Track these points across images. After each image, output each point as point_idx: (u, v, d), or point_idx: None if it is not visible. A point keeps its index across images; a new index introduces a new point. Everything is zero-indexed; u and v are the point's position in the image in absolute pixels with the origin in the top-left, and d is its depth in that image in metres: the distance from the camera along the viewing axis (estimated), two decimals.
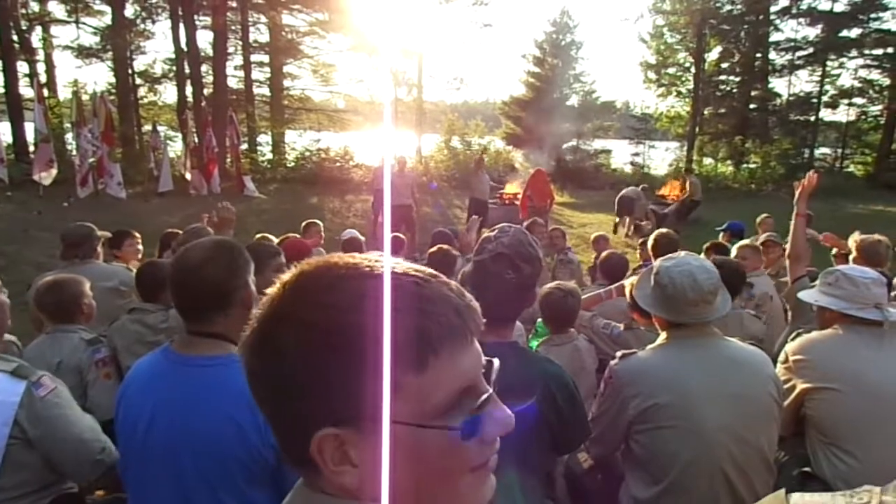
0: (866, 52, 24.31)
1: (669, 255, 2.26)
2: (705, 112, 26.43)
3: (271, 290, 0.64)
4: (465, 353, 0.62)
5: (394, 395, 0.56)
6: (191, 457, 1.47)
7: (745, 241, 4.97)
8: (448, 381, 0.60)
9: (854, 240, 4.05)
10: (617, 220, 13.27)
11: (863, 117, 25.35)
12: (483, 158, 13.99)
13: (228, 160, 17.15)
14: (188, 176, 15.01)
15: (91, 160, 12.57)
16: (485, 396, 0.62)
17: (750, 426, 1.99)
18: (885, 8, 23.40)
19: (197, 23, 19.18)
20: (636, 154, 26.40)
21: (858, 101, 25.16)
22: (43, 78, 18.28)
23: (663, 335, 2.19)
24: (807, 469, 2.29)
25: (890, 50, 23.60)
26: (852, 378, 2.20)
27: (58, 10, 20.09)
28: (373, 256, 0.64)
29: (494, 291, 1.71)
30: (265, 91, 23.37)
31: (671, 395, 2.00)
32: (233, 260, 1.60)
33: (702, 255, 3.24)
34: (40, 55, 18.97)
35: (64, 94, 19.28)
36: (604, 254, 4.67)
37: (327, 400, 0.58)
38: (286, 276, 0.64)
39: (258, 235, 6.30)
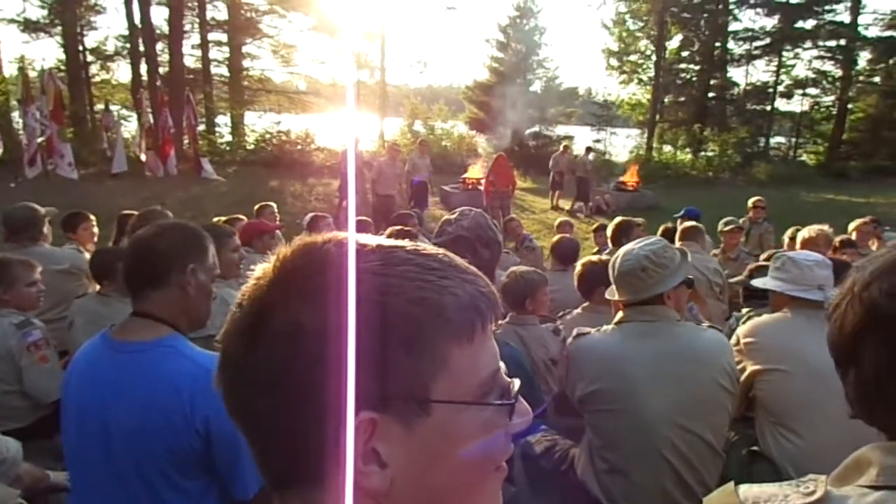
0: (820, 43, 25.01)
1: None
2: (665, 100, 26.83)
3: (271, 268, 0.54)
4: (491, 334, 0.56)
5: (439, 368, 0.50)
6: (122, 448, 1.43)
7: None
8: (487, 359, 0.54)
9: (802, 237, 4.41)
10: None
11: (816, 107, 26.13)
12: (426, 141, 14.00)
13: (186, 141, 16.69)
14: (143, 157, 14.57)
15: (40, 139, 12.08)
16: (517, 382, 0.56)
17: (693, 415, 1.99)
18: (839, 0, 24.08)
19: None
20: (598, 140, 26.61)
21: (812, 91, 25.94)
22: None
23: (619, 315, 2.21)
24: (755, 448, 2.36)
25: (842, 42, 24.30)
26: (799, 359, 2.25)
27: None
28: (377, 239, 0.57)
29: None
30: (223, 71, 22.69)
31: (613, 381, 2.02)
32: (176, 240, 1.56)
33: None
34: None
35: (9, 70, 18.34)
36: (556, 238, 4.73)
37: (361, 377, 0.47)
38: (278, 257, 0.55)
39: (214, 219, 6.21)
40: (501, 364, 0.57)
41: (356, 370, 0.46)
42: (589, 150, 14.90)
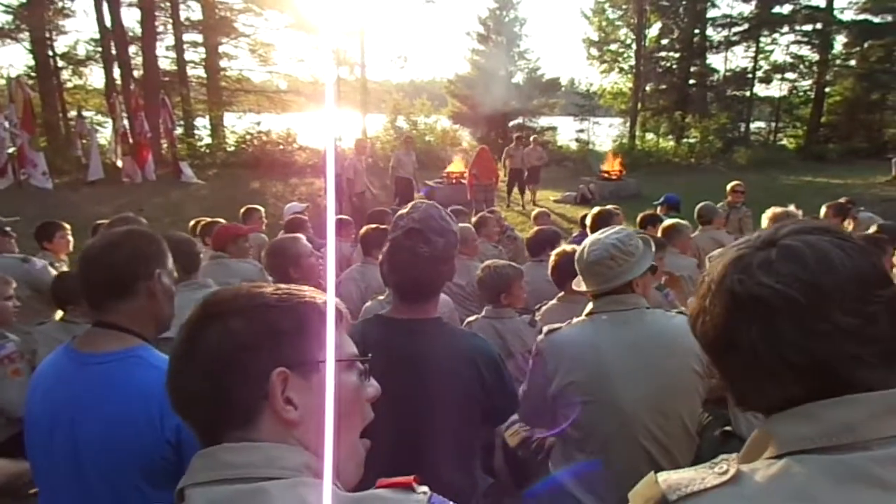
0: (797, 28, 25.24)
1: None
2: (647, 88, 26.97)
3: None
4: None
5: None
6: (92, 462, 1.40)
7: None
8: (347, 342, 0.90)
9: (767, 216, 4.37)
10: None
11: (794, 92, 26.42)
12: (411, 138, 13.91)
13: (164, 145, 16.51)
14: (120, 163, 14.40)
15: (10, 150, 11.91)
16: (367, 362, 0.91)
17: (668, 401, 1.99)
18: None
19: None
20: (581, 130, 26.77)
21: (790, 76, 26.23)
22: None
23: (589, 306, 2.19)
24: (727, 428, 2.35)
25: (819, 26, 24.52)
26: None
27: None
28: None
29: (410, 267, 1.72)
30: (200, 72, 22.46)
31: (588, 372, 2.00)
32: (138, 248, 1.54)
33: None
34: None
35: None
36: (532, 230, 4.74)
37: (280, 349, 0.79)
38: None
39: (193, 221, 6.14)
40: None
41: (273, 348, 0.79)
42: (535, 141, 14.94)
